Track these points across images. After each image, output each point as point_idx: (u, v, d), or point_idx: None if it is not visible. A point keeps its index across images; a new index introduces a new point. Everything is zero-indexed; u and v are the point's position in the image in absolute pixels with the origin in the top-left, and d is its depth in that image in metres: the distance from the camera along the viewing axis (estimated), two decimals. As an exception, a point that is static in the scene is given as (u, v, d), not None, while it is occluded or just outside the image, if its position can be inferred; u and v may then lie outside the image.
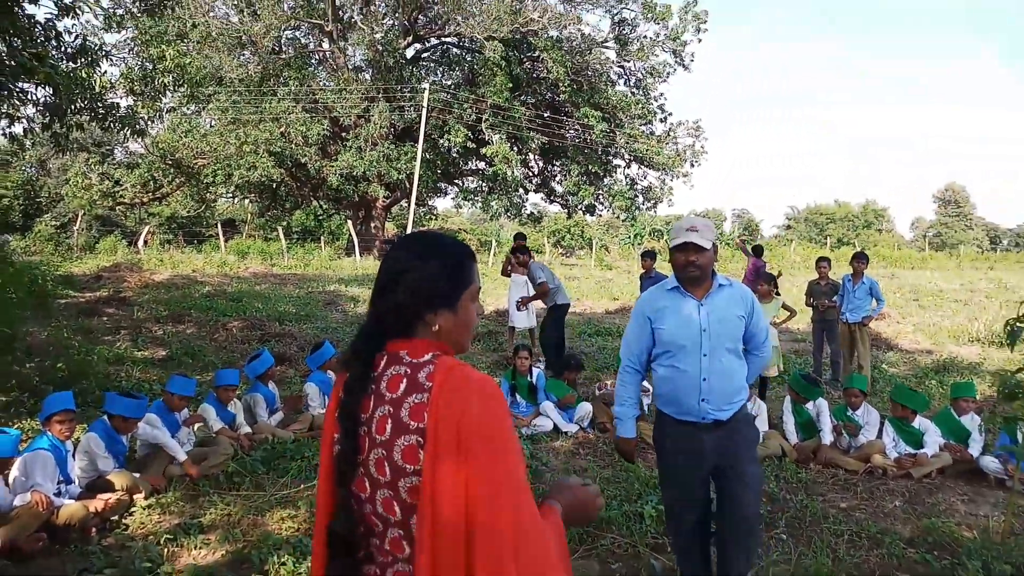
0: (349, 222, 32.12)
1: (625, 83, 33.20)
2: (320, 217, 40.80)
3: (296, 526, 4.74)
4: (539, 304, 10.74)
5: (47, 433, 4.93)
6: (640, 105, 31.67)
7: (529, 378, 7.65)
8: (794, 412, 6.85)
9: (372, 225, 32.71)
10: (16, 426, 5.60)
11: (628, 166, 33.84)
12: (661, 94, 34.31)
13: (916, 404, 6.50)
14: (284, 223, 36.64)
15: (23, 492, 4.58)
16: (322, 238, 36.60)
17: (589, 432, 7.30)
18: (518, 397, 7.62)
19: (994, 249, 59.33)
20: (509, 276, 11.66)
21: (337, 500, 1.52)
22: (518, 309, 10.62)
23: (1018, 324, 4.63)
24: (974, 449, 6.38)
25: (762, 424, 6.80)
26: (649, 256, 10.85)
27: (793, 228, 62.01)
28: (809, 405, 6.80)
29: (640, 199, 33.88)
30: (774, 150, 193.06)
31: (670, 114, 33.44)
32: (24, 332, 9.91)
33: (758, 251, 13.58)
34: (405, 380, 1.48)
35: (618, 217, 37.83)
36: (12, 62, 7.54)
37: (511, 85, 28.94)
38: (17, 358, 8.42)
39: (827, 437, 6.60)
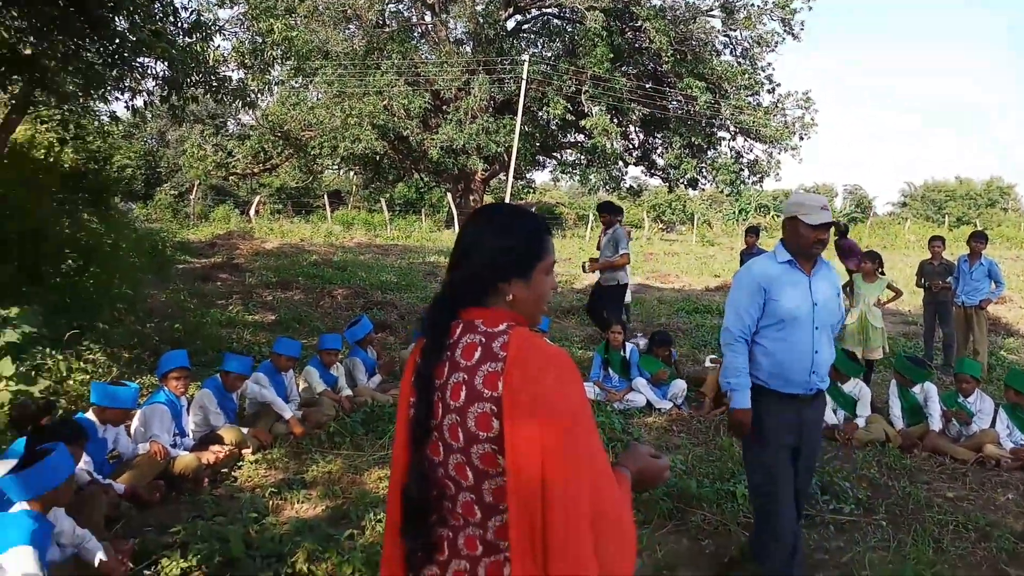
0: (449, 195, 32.53)
1: (731, 53, 32.11)
2: (421, 190, 41.49)
3: (392, 486, 4.90)
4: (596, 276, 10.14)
5: (164, 388, 5.26)
6: (747, 75, 30.60)
7: (622, 353, 7.61)
8: (900, 396, 6.58)
9: (471, 198, 33.00)
10: (137, 381, 5.99)
11: (733, 139, 32.81)
12: (769, 64, 33.10)
13: (974, 371, 6.19)
14: (387, 195, 37.43)
15: (143, 442, 4.92)
16: (423, 210, 37.25)
17: (684, 410, 7.22)
18: (611, 372, 7.60)
19: None
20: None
21: (411, 463, 1.56)
22: (583, 271, 10.20)
23: None
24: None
25: (864, 409, 6.56)
26: (753, 232, 10.53)
27: (909, 206, 58.93)
28: (916, 389, 6.52)
29: (745, 173, 32.84)
30: (890, 122, 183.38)
31: (778, 85, 32.12)
32: (145, 295, 10.55)
33: (844, 231, 12.87)
34: (480, 348, 1.51)
35: (722, 191, 36.86)
36: (133, 38, 7.94)
37: (612, 56, 28.43)
38: (139, 318, 8.99)
39: (935, 423, 6.31)
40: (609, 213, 9.31)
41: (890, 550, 4.26)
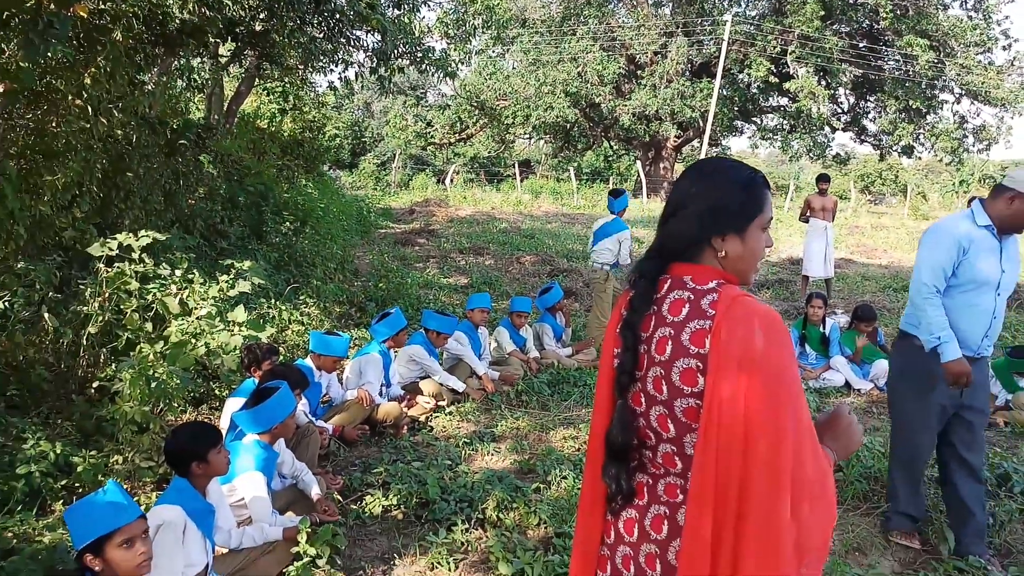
0: (638, 163, 32.10)
1: (961, 5, 29.04)
2: (610, 158, 41.22)
3: (577, 445, 5.02)
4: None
5: (378, 341, 5.66)
6: (978, 31, 27.60)
7: (821, 328, 7.25)
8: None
9: (661, 166, 32.40)
10: (347, 334, 6.50)
11: (958, 101, 29.78)
12: (1006, 17, 29.72)
13: None
14: (575, 164, 37.59)
15: (353, 389, 5.34)
16: (611, 179, 37.06)
17: (885, 391, 6.78)
18: (808, 348, 7.27)
19: None
20: (807, 222, 11.02)
21: (615, 410, 1.59)
22: None
23: None
24: None
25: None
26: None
27: None
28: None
29: (970, 140, 29.83)
30: None
31: (1015, 40, 28.75)
32: (352, 256, 11.37)
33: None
34: (688, 305, 1.50)
35: (941, 160, 33.69)
36: (351, 12, 8.47)
37: (823, 13, 26.65)
38: (347, 277, 9.71)
39: None
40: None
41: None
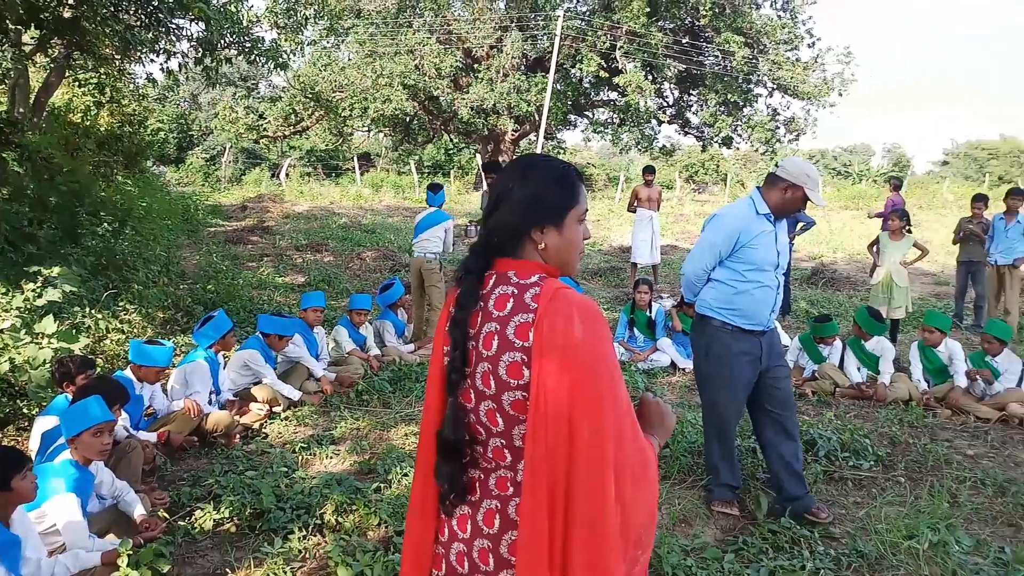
0: (478, 156, 32.43)
1: (771, 6, 31.31)
2: (450, 151, 41.36)
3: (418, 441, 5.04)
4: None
5: (203, 347, 5.42)
6: (787, 29, 29.85)
7: (648, 313, 7.65)
8: (923, 358, 6.55)
9: (500, 159, 32.83)
10: (171, 341, 6.18)
11: (770, 95, 32.05)
12: (810, 17, 32.25)
13: (1001, 333, 6.25)
14: (416, 157, 37.44)
15: (179, 399, 5.10)
16: (452, 172, 37.22)
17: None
18: (636, 331, 7.65)
19: None
20: (635, 212, 11.56)
21: (446, 408, 1.61)
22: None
23: None
24: None
25: (887, 366, 6.53)
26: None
27: (950, 164, 57.48)
28: (941, 348, 6.46)
29: (782, 131, 32.21)
30: (934, 79, 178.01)
31: (818, 39, 31.31)
32: (178, 257, 10.79)
33: (897, 185, 12.77)
34: (512, 300, 1.54)
35: (757, 150, 36.21)
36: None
37: (648, 10, 27.85)
38: (172, 280, 9.21)
39: (960, 380, 6.27)
40: None
41: (906, 505, 4.30)
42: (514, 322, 1.51)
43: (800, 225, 9.68)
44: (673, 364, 7.30)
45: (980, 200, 9.30)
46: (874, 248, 8.40)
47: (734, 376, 4.08)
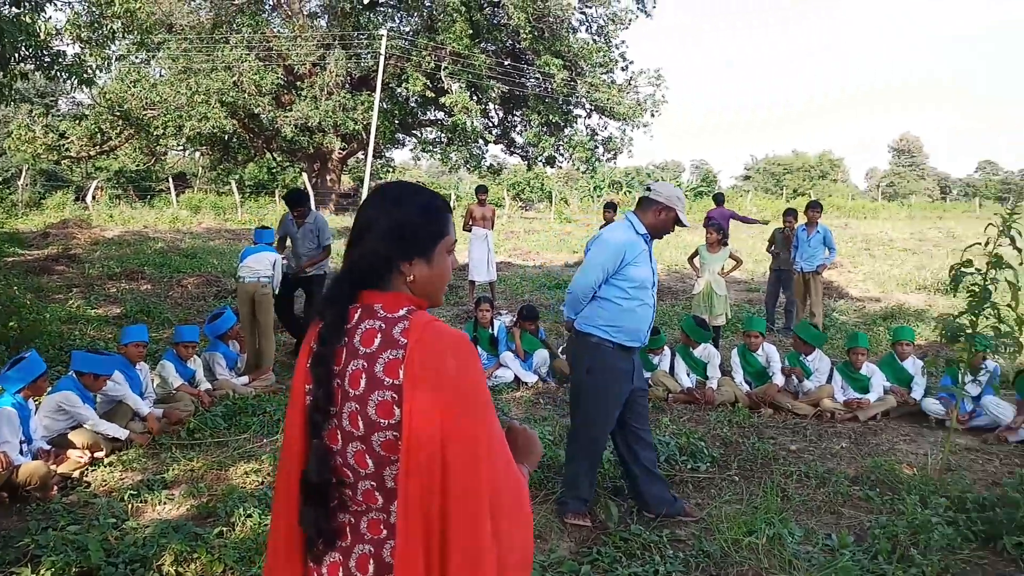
0: (304, 175, 31.50)
1: (587, 30, 32.77)
2: (274, 170, 39.96)
3: (260, 479, 4.79)
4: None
5: (10, 392, 4.87)
6: (602, 53, 31.37)
7: (491, 330, 7.73)
8: (744, 362, 7.05)
9: (328, 178, 32.19)
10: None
11: (588, 116, 33.61)
12: (623, 41, 34.01)
13: (813, 339, 6.88)
14: (237, 176, 35.90)
15: (-18, 452, 4.54)
16: (276, 192, 35.99)
17: (549, 381, 7.43)
18: (480, 349, 7.70)
19: (944, 199, 60.63)
20: (470, 231, 11.67)
21: (311, 450, 1.52)
22: None
23: (962, 270, 4.82)
24: (917, 392, 6.66)
25: (714, 371, 6.98)
26: (611, 208, 10.90)
27: (751, 179, 62.55)
28: (759, 352, 6.98)
29: (600, 150, 33.77)
30: (735, 101, 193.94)
31: (631, 62, 33.25)
32: (-29, 291, 9.69)
33: (719, 199, 13.71)
34: (380, 335, 1.47)
35: (578, 169, 37.74)
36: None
37: (471, 32, 28.41)
38: (-33, 317, 8.24)
39: (778, 378, 6.80)
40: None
41: (743, 502, 4.59)
42: (383, 359, 1.45)
43: None
44: (517, 379, 7.41)
45: (791, 215, 10.15)
46: (694, 260, 8.96)
47: (612, 392, 4.22)
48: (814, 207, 9.69)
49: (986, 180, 71.14)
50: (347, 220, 27.07)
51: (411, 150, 36.66)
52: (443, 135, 33.16)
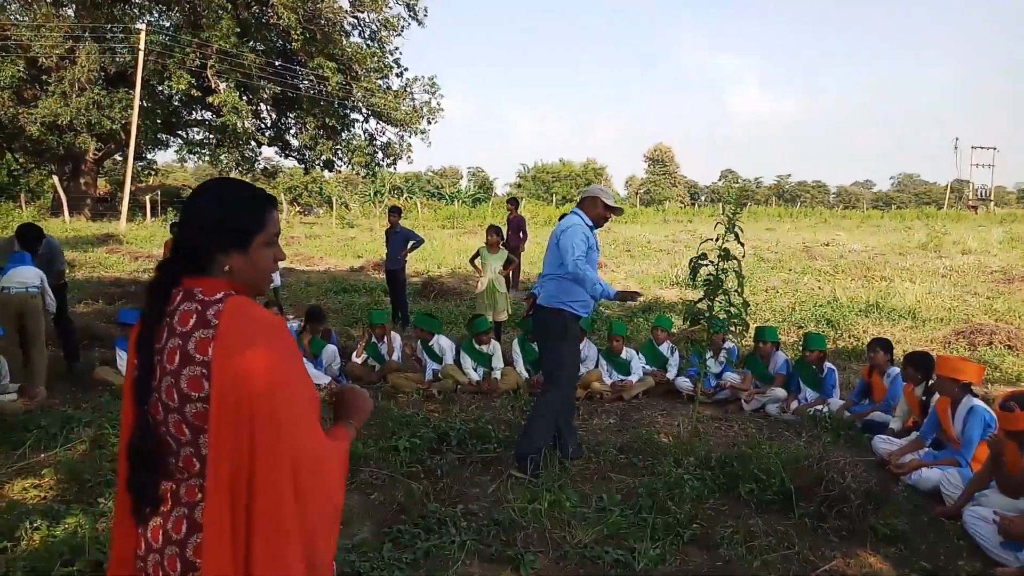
0: (55, 177, 28.73)
1: (360, 34, 32.75)
2: (16, 172, 35.99)
3: (42, 493, 4.58)
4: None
5: None
6: (376, 58, 31.48)
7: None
8: (522, 351, 7.65)
9: (82, 181, 29.57)
10: None
11: (366, 121, 33.63)
12: (396, 48, 34.36)
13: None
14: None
15: None
16: (21, 196, 32.47)
17: (342, 381, 7.58)
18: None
19: (694, 204, 67.04)
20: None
21: (136, 420, 1.65)
22: None
23: (699, 262, 5.65)
24: (671, 372, 7.58)
25: (498, 362, 7.51)
26: (396, 212, 11.17)
27: (523, 186, 65.34)
28: (536, 344, 7.60)
29: (380, 155, 33.86)
30: (509, 110, 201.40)
31: (406, 69, 33.65)
32: None
33: (514, 202, 14.77)
34: (195, 316, 1.61)
35: (357, 174, 37.54)
36: None
37: (239, 30, 27.39)
38: None
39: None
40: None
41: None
42: (195, 337, 1.58)
43: (411, 243, 10.48)
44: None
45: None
46: (475, 261, 9.49)
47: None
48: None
49: (728, 187, 79.80)
50: (102, 227, 25.08)
51: (176, 151, 34.57)
52: (212, 136, 31.66)
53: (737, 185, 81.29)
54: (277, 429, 1.54)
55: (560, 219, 5.46)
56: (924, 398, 5.74)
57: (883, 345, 6.51)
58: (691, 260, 5.69)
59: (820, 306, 12.08)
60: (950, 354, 8.65)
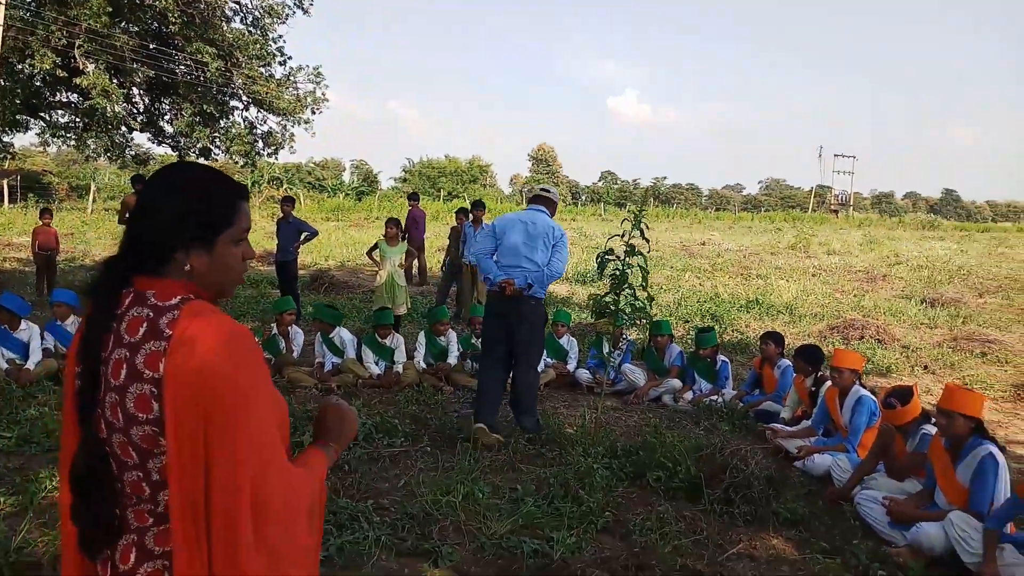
0: None
1: (242, 20, 31.47)
2: None
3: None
4: None
5: None
6: (259, 45, 30.38)
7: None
8: (428, 344, 7.58)
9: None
10: None
11: (246, 109, 32.29)
12: (280, 36, 33.18)
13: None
14: None
15: None
16: None
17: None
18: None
19: (576, 203, 68.38)
20: (125, 223, 10.84)
21: (78, 438, 1.43)
22: None
23: (606, 257, 5.75)
24: (571, 365, 7.69)
25: (400, 356, 7.40)
26: (289, 202, 10.76)
27: (409, 180, 64.78)
28: (442, 337, 7.56)
29: (260, 144, 32.72)
30: (393, 104, 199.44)
31: (289, 58, 32.51)
32: None
33: (414, 197, 14.64)
34: (146, 324, 1.38)
35: (236, 163, 36.14)
36: None
37: (111, 9, 25.75)
38: None
39: (453, 360, 7.52)
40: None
41: (438, 470, 5.03)
42: (145, 350, 1.36)
43: (304, 235, 10.18)
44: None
45: (463, 212, 11.03)
46: (373, 253, 9.32)
47: None
48: (478, 207, 10.62)
49: (608, 188, 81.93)
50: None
51: (38, 134, 32.11)
52: (78, 120, 29.67)
53: (616, 186, 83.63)
54: (235, 462, 1.33)
55: (525, 214, 5.89)
56: (814, 388, 6.08)
57: (774, 338, 6.85)
58: (598, 255, 5.79)
59: (703, 302, 12.58)
60: (827, 347, 9.20)
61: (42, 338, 6.90)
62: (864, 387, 5.54)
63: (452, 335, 7.66)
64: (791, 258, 20.72)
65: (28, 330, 6.80)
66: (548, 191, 6.09)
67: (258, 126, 32.99)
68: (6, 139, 34.35)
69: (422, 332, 7.76)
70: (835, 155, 66.71)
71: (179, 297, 1.42)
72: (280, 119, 32.52)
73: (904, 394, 4.69)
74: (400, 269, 8.90)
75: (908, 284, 15.87)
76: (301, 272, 14.16)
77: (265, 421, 1.39)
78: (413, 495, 4.57)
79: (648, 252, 5.92)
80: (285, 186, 44.94)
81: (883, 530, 4.37)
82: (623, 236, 5.76)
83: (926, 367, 9.03)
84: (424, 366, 7.45)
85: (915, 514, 4.26)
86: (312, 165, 64.69)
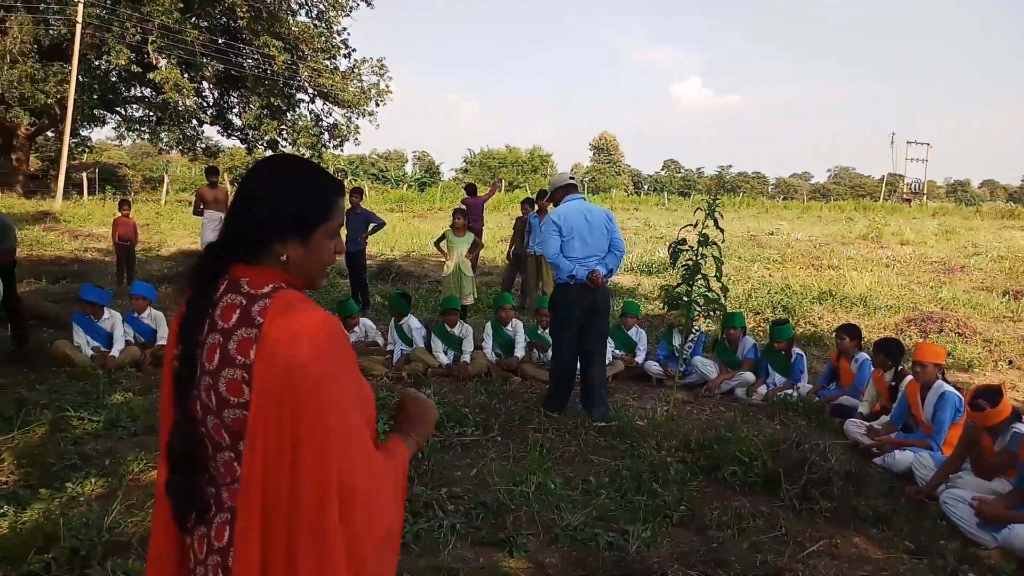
0: (-14, 153, 27.51)
1: (307, 14, 32.03)
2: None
3: (3, 478, 4.34)
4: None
5: None
6: (323, 38, 30.87)
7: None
8: (494, 334, 7.58)
9: (13, 157, 28.32)
10: None
11: (312, 101, 32.96)
12: (344, 28, 33.63)
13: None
14: None
15: None
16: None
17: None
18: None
19: (638, 193, 67.72)
20: (202, 214, 11.11)
21: (177, 418, 1.48)
22: None
23: (678, 247, 5.66)
24: (640, 356, 7.61)
25: (469, 345, 7.42)
26: (358, 193, 10.88)
27: (470, 171, 65.04)
28: (508, 327, 7.55)
29: (326, 136, 33.26)
30: (455, 95, 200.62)
31: (354, 50, 33.04)
32: None
33: (471, 190, 14.36)
34: (239, 311, 1.43)
35: (303, 155, 36.83)
36: None
37: (182, 5, 26.50)
38: None
39: (520, 351, 7.44)
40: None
41: (509, 459, 5.02)
42: (237, 336, 1.41)
43: (372, 225, 10.29)
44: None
45: (528, 203, 10.98)
46: (441, 244, 9.37)
47: None
48: (543, 197, 10.54)
49: (670, 176, 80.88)
50: (37, 204, 24.08)
51: (114, 128, 33.31)
52: (152, 114, 30.63)
53: (679, 175, 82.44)
54: (323, 447, 1.36)
55: (577, 205, 6.00)
56: (893, 383, 5.88)
57: (850, 331, 6.64)
58: (670, 245, 5.71)
59: (774, 293, 12.29)
60: (905, 341, 8.90)
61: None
62: (947, 382, 5.33)
63: (519, 325, 7.62)
64: (863, 248, 20.10)
65: (111, 318, 7.04)
66: (573, 177, 6.39)
67: (324, 118, 33.59)
68: (84, 133, 35.82)
69: (488, 322, 7.77)
70: (908, 142, 64.47)
71: (271, 285, 1.46)
72: (345, 111, 33.04)
73: (993, 394, 4.49)
74: (467, 260, 8.93)
75: (988, 275, 15.23)
76: (368, 263, 14.39)
77: (353, 410, 1.42)
78: (486, 484, 4.57)
79: (722, 242, 5.80)
80: (350, 177, 45.60)
81: (971, 531, 4.20)
82: (695, 226, 5.65)
83: (1011, 362, 8.66)
84: (494, 357, 7.45)
85: (1006, 515, 4.08)
86: (375, 157, 65.54)
